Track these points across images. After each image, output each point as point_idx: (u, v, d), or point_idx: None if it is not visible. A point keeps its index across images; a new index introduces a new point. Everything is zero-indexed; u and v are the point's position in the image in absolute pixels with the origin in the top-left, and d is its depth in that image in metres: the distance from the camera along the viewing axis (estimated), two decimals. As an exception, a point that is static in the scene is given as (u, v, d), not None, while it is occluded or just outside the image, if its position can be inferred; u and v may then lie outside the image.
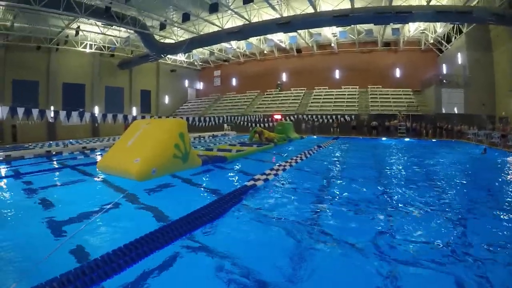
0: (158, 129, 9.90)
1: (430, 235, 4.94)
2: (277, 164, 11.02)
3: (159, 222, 5.44)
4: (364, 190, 8.08)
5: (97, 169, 9.67)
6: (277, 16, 27.53)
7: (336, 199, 7.16)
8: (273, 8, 26.03)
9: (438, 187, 8.40)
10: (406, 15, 23.36)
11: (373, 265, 3.94)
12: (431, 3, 23.64)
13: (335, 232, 5.03)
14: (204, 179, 9.72)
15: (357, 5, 24.71)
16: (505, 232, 5.07)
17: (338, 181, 9.34)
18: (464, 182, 9.52)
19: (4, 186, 8.93)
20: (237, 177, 9.94)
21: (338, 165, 12.86)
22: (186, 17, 26.86)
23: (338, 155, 16.71)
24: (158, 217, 5.79)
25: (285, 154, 15.89)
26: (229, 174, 10.64)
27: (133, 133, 10.10)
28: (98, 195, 7.80)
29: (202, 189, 8.43)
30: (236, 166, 11.95)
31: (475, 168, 12.61)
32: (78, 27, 30.07)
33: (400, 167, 12.40)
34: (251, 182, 7.92)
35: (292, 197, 7.27)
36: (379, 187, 8.35)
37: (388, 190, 7.99)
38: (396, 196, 7.37)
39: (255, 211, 6.15)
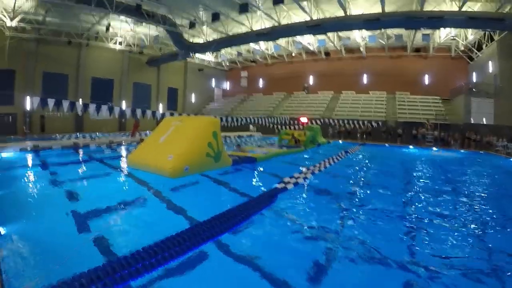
0: (192, 127, 9.92)
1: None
2: (306, 168, 10.91)
3: (188, 221, 5.43)
4: (390, 199, 7.98)
5: (128, 164, 9.76)
6: (307, 18, 27.35)
7: (363, 207, 7.05)
8: (303, 9, 25.84)
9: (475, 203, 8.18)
10: (438, 20, 23.02)
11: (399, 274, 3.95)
12: (463, 9, 23.12)
13: (362, 239, 5.00)
14: (234, 179, 9.67)
15: (388, 9, 24.37)
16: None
17: (366, 189, 9.21)
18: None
19: (32, 176, 9.08)
20: (266, 179, 9.82)
21: (365, 172, 12.67)
22: (215, 17, 27.04)
23: (365, 162, 16.47)
24: (187, 217, 5.76)
25: (313, 159, 15.74)
26: (259, 175, 10.60)
27: (165, 129, 10.18)
28: (127, 190, 7.87)
29: (232, 189, 8.34)
30: (266, 168, 11.87)
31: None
32: (109, 23, 30.52)
33: (433, 179, 12.10)
34: (282, 185, 7.86)
35: (320, 202, 7.21)
36: (405, 198, 8.22)
37: (416, 202, 7.84)
38: (424, 209, 7.22)
39: (285, 214, 6.10)
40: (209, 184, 8.72)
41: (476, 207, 7.72)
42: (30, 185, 8.09)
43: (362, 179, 10.97)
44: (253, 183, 9.35)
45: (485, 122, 28.60)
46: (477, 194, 9.41)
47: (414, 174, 12.93)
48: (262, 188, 7.93)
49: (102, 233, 4.59)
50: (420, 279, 3.86)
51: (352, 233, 5.34)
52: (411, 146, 27.30)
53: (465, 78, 34.51)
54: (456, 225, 6.10)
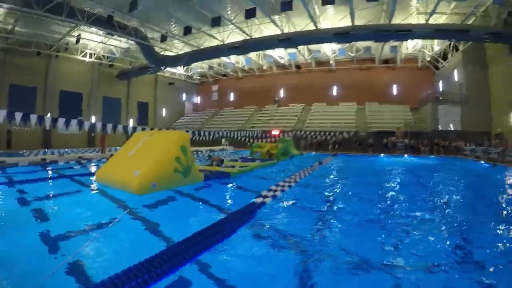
0: (160, 142, 9.68)
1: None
2: (282, 181, 10.85)
3: (165, 241, 5.17)
4: (369, 207, 8.02)
5: (95, 180, 9.45)
6: (278, 32, 27.69)
7: (344, 217, 7.00)
8: (275, 23, 26.19)
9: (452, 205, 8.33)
10: (406, 33, 23.80)
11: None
12: (430, 22, 23.88)
13: (347, 248, 4.95)
14: (207, 195, 9.39)
15: (357, 22, 24.94)
16: None
17: (344, 198, 9.20)
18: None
19: None
20: (241, 194, 9.67)
21: (341, 182, 12.73)
22: (187, 30, 26.99)
23: (340, 172, 16.55)
24: (160, 236, 5.46)
25: (287, 171, 15.73)
26: (233, 190, 10.35)
27: (134, 144, 9.91)
28: (96, 208, 7.45)
29: (206, 205, 8.04)
30: (239, 182, 11.70)
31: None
32: (79, 35, 29.98)
33: (409, 185, 12.24)
34: (260, 199, 7.74)
35: (301, 214, 7.14)
36: (383, 205, 8.26)
37: (395, 207, 7.92)
38: (404, 213, 7.29)
39: (265, 228, 5.99)
40: (183, 200, 8.45)
41: (452, 208, 7.91)
42: None
43: (339, 188, 10.99)
44: (230, 198, 9.15)
45: (452, 129, 29.43)
46: (453, 196, 9.66)
47: (389, 181, 13.07)
48: (240, 203, 7.77)
49: (76, 256, 4.27)
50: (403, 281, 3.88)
51: (336, 242, 5.29)
52: (382, 155, 27.77)
53: (432, 87, 35.81)
54: (434, 227, 6.23)
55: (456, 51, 30.37)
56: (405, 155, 27.22)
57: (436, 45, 32.61)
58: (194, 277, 4.00)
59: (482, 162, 20.51)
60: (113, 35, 28.91)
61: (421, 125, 32.36)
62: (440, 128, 30.40)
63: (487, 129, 27.10)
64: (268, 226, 6.14)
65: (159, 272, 3.75)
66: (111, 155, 19.29)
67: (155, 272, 3.75)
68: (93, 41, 33.50)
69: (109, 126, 17.88)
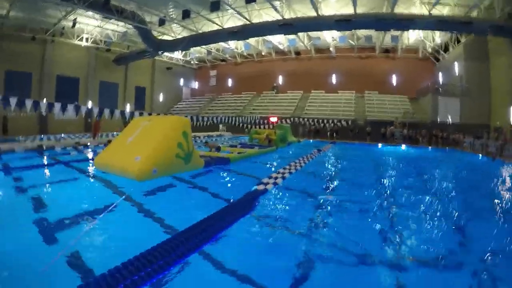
0: (161, 127, 9.44)
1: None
2: (282, 168, 10.72)
3: (166, 229, 5.05)
4: (367, 194, 8.08)
5: (94, 166, 9.24)
6: (278, 17, 27.31)
7: (343, 204, 7.02)
8: (275, 9, 25.79)
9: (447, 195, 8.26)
10: (408, 22, 23.44)
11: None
12: (433, 12, 23.59)
13: (344, 236, 4.96)
14: (208, 181, 9.33)
15: (359, 10, 24.60)
16: None
17: (343, 185, 9.23)
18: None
19: None
20: (242, 180, 9.60)
21: (341, 170, 12.67)
22: (186, 14, 26.53)
23: (339, 159, 16.49)
24: (162, 225, 5.35)
25: (286, 158, 15.62)
26: (233, 176, 10.29)
27: (133, 130, 9.67)
28: (94, 195, 7.37)
29: (206, 192, 8.02)
30: (239, 168, 11.60)
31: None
32: (76, 18, 29.36)
33: (406, 174, 12.20)
34: (262, 187, 7.61)
35: (302, 202, 7.05)
36: (383, 194, 8.29)
37: (397, 197, 7.90)
38: (408, 201, 7.30)
39: (268, 216, 5.87)
40: (183, 187, 8.37)
41: (452, 199, 7.97)
42: None
43: (339, 176, 10.96)
44: (231, 185, 9.06)
45: (451, 121, 29.33)
46: (452, 187, 9.68)
47: (389, 171, 13.06)
48: (242, 190, 7.64)
49: (75, 246, 4.11)
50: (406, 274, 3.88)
51: (339, 231, 5.22)
52: (380, 144, 27.69)
53: (432, 79, 35.38)
54: (437, 217, 6.24)
55: (458, 43, 30.07)
56: (403, 146, 27.17)
57: (438, 37, 32.28)
58: (197, 265, 3.90)
59: (480, 156, 20.37)
60: (110, 19, 28.40)
61: (420, 116, 32.18)
62: (439, 119, 30.23)
63: (486, 122, 26.92)
64: (270, 214, 6.03)
65: (166, 262, 3.62)
66: (109, 141, 19.25)
67: (164, 260, 3.62)
68: (89, 25, 32.77)
69: (106, 111, 17.67)
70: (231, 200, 6.62)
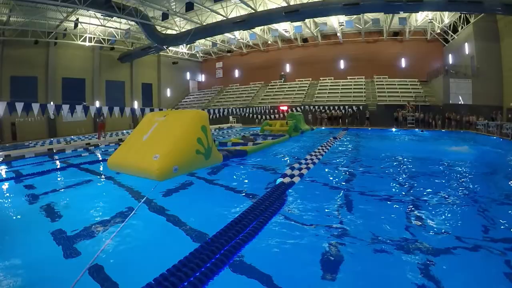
0: (179, 122, 9.05)
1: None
2: (303, 159, 10.33)
3: (193, 234, 4.67)
4: (394, 184, 7.77)
5: (108, 167, 8.89)
6: (284, 4, 26.79)
7: (372, 194, 6.69)
8: (281, -4, 25.34)
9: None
10: (417, 3, 22.87)
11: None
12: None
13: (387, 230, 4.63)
14: (229, 176, 9.02)
15: (367, -7, 24.04)
16: None
17: (369, 175, 8.91)
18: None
19: (4, 191, 8.09)
20: (262, 173, 9.28)
21: (363, 158, 12.27)
22: (189, 7, 26.21)
23: (358, 146, 16.14)
24: (191, 229, 4.92)
25: (302, 147, 15.33)
26: (252, 169, 9.95)
27: (147, 127, 9.28)
28: (111, 199, 6.98)
29: (230, 188, 7.65)
30: (256, 160, 11.31)
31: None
32: (77, 19, 29.14)
33: (430, 160, 11.75)
34: (287, 179, 7.23)
35: (333, 195, 6.69)
36: (408, 180, 8.03)
37: (425, 184, 7.61)
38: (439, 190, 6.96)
39: (298, 211, 5.53)
40: (203, 184, 7.99)
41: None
42: (3, 202, 7.09)
43: (360, 164, 10.57)
44: (252, 179, 8.66)
45: (463, 102, 28.79)
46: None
47: (411, 155, 12.65)
48: (263, 183, 7.30)
49: (97, 259, 3.71)
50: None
51: (372, 223, 4.90)
52: (393, 129, 27.36)
53: (441, 60, 34.95)
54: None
55: (467, 24, 29.39)
56: (416, 129, 26.80)
57: (446, 17, 31.50)
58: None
59: (495, 137, 20.00)
60: (112, 17, 27.99)
61: (431, 99, 31.64)
62: (451, 101, 29.67)
63: (499, 103, 26.44)
64: (301, 209, 5.67)
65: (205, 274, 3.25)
66: (120, 139, 18.99)
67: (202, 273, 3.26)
68: (92, 25, 32.39)
69: (116, 110, 17.41)
70: (261, 195, 6.20)
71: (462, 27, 30.34)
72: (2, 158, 13.40)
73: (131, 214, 5.22)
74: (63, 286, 3.19)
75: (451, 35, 32.99)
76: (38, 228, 5.17)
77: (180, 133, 8.37)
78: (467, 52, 29.73)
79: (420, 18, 33.21)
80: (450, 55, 34.21)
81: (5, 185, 8.79)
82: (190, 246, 3.92)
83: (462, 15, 29.00)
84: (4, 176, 10.23)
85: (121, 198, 7.05)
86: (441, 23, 32.50)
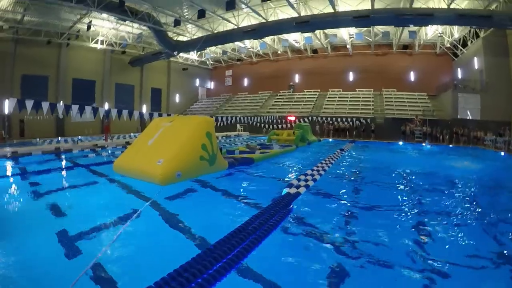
0: (184, 128, 9.10)
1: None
2: (310, 170, 10.31)
3: (197, 240, 4.66)
4: (400, 197, 7.76)
5: (114, 170, 8.92)
6: (295, 15, 26.94)
7: (379, 207, 6.65)
8: (292, 6, 25.43)
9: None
10: (427, 17, 22.95)
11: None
12: (451, 6, 23.06)
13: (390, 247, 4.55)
14: (234, 183, 8.96)
15: (377, 6, 24.19)
16: None
17: (377, 188, 8.83)
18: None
19: (9, 188, 8.10)
20: (268, 182, 9.24)
21: (370, 171, 12.22)
22: (201, 14, 26.39)
23: (365, 159, 16.05)
24: (195, 236, 4.88)
25: (308, 158, 15.32)
26: (258, 178, 9.89)
27: (153, 131, 9.36)
28: (115, 201, 6.93)
29: (234, 196, 7.56)
30: (262, 169, 11.27)
31: None
32: (90, 21, 29.51)
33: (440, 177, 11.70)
34: (293, 190, 7.23)
35: (341, 207, 6.67)
36: (412, 195, 7.95)
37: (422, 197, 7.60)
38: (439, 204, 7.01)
39: (307, 224, 5.52)
40: (206, 191, 7.93)
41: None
42: (7, 199, 7.11)
43: (367, 177, 10.50)
44: (257, 187, 8.61)
45: (471, 117, 28.65)
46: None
47: (419, 171, 12.56)
48: (268, 193, 7.29)
49: (99, 259, 3.75)
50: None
51: (379, 239, 4.86)
52: (400, 142, 27.26)
53: (450, 75, 34.90)
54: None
55: (476, 38, 29.34)
56: (423, 144, 26.68)
57: (456, 32, 31.50)
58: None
59: (503, 153, 19.92)
60: (125, 21, 28.33)
61: (439, 113, 31.57)
62: (459, 116, 29.55)
63: (508, 118, 26.17)
64: (306, 221, 5.66)
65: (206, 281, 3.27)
66: (127, 143, 19.09)
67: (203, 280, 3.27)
68: (104, 28, 33.00)
69: (125, 113, 17.51)
70: (265, 204, 6.20)
71: (471, 42, 30.32)
72: (9, 154, 13.54)
73: (133, 217, 5.25)
74: (63, 285, 3.23)
75: (461, 50, 32.95)
76: (40, 226, 5.21)
77: (184, 139, 8.45)
78: (476, 67, 29.63)
79: (430, 32, 33.24)
80: (459, 69, 34.09)
81: (11, 182, 8.89)
82: (192, 251, 3.96)
83: (472, 29, 28.95)
84: (10, 172, 10.37)
85: (125, 200, 7.02)
86: (451, 37, 32.53)
